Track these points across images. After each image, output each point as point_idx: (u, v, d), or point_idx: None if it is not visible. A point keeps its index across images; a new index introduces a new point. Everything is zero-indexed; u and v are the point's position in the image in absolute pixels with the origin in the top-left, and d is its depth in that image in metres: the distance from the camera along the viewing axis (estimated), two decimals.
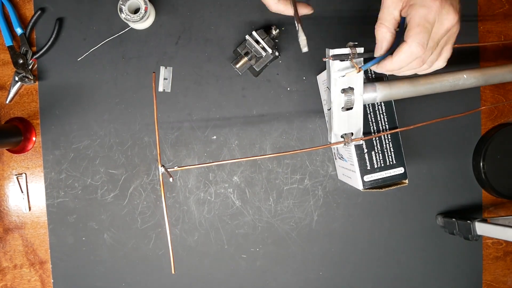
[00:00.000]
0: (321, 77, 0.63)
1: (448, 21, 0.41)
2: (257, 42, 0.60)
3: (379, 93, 0.52)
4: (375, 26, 0.44)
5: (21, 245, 0.65)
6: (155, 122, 0.47)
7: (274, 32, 0.61)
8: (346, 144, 0.52)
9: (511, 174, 0.67)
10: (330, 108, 0.52)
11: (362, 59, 0.48)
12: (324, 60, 0.49)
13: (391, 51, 0.44)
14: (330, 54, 0.47)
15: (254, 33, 0.60)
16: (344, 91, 0.49)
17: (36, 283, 0.65)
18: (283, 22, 0.65)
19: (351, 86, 0.50)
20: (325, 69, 0.64)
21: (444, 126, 0.67)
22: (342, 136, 0.52)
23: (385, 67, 0.45)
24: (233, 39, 0.65)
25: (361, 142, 0.55)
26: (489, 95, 0.69)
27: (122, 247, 0.65)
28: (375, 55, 0.46)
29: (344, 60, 0.48)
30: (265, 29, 0.61)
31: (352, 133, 0.52)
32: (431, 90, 0.53)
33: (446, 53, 0.45)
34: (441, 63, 0.45)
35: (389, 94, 0.53)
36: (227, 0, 0.64)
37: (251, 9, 0.65)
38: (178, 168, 0.47)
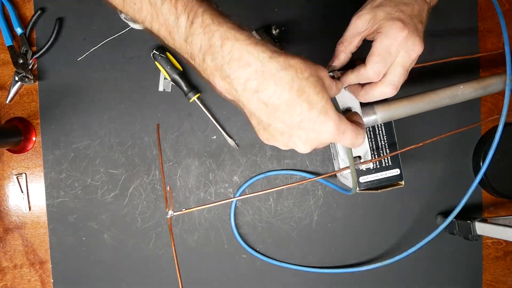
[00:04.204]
0: None
1: (414, 52, 0.42)
2: None
3: (379, 115, 0.52)
4: (337, 42, 0.46)
5: (21, 245, 0.65)
6: (161, 171, 0.46)
7: (274, 32, 0.61)
8: (357, 167, 0.52)
9: (511, 174, 0.67)
10: None
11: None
12: None
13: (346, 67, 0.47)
14: None
15: (254, 33, 0.60)
16: (342, 114, 0.50)
17: (36, 283, 0.65)
18: (283, 22, 0.65)
19: (348, 108, 0.50)
20: None
21: (444, 126, 0.67)
22: None
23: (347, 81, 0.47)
24: None
25: (371, 164, 0.56)
26: (488, 95, 0.68)
27: (122, 247, 0.65)
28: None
29: None
30: (265, 29, 0.61)
31: (360, 157, 0.52)
32: (431, 106, 0.54)
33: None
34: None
35: (388, 115, 0.53)
36: (227, 0, 0.64)
37: (251, 9, 0.65)
38: (186, 211, 0.47)
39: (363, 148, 0.52)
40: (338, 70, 0.47)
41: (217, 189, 0.66)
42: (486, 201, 0.69)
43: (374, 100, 0.46)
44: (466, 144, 0.68)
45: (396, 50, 0.42)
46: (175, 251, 0.45)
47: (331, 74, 0.48)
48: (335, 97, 0.46)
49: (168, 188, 0.43)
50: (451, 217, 0.55)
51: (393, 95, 0.45)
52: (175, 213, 0.46)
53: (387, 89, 0.44)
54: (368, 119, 0.53)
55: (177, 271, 0.44)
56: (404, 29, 0.41)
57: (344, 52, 0.46)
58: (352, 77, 0.45)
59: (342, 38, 0.46)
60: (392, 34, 0.41)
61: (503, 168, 0.67)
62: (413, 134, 0.66)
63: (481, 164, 0.66)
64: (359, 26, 0.44)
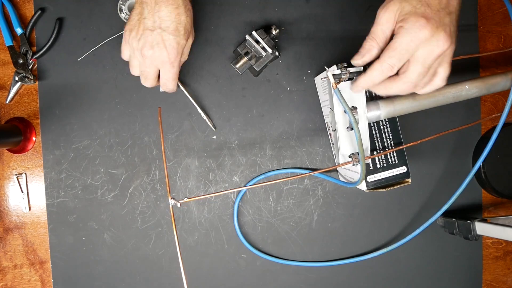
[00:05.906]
0: (319, 79, 0.63)
1: (438, 48, 0.41)
2: (257, 42, 0.60)
3: (383, 111, 0.53)
4: (366, 37, 0.45)
5: (21, 245, 0.65)
6: (163, 157, 0.47)
7: (274, 32, 0.61)
8: (355, 164, 0.52)
9: (511, 174, 0.67)
10: (335, 129, 0.53)
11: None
12: (322, 78, 0.49)
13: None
14: (332, 74, 0.47)
15: (254, 33, 0.60)
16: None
17: (36, 283, 0.65)
18: (283, 22, 0.65)
19: (354, 106, 0.50)
20: (322, 71, 0.64)
21: (444, 126, 0.67)
22: (350, 156, 0.53)
23: (359, 84, 0.46)
24: (233, 39, 0.65)
25: (369, 160, 0.56)
26: (488, 95, 0.69)
27: (122, 247, 0.65)
28: (351, 61, 0.46)
29: (339, 80, 0.48)
30: (265, 29, 0.61)
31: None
32: (434, 104, 0.54)
33: (443, 73, 0.45)
34: (439, 82, 0.46)
35: (392, 111, 0.53)
36: (227, 0, 0.64)
37: (251, 9, 0.65)
38: (188, 199, 0.47)
39: (363, 144, 0.52)
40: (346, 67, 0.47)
41: (217, 189, 0.66)
42: (486, 201, 0.69)
43: (393, 95, 0.46)
44: (466, 145, 0.68)
45: (416, 47, 0.41)
46: (177, 236, 0.45)
47: (338, 71, 0.48)
48: (341, 95, 0.46)
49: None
50: (449, 202, 0.55)
51: (410, 92, 0.44)
52: (180, 200, 0.46)
53: (404, 86, 0.43)
54: (372, 114, 0.53)
55: (181, 263, 0.44)
56: (427, 26, 0.40)
57: (377, 48, 0.44)
58: (367, 78, 0.44)
59: (373, 34, 0.44)
60: (413, 32, 0.41)
61: (503, 168, 0.67)
62: (413, 134, 0.66)
63: (480, 164, 0.66)
64: (388, 18, 0.43)
